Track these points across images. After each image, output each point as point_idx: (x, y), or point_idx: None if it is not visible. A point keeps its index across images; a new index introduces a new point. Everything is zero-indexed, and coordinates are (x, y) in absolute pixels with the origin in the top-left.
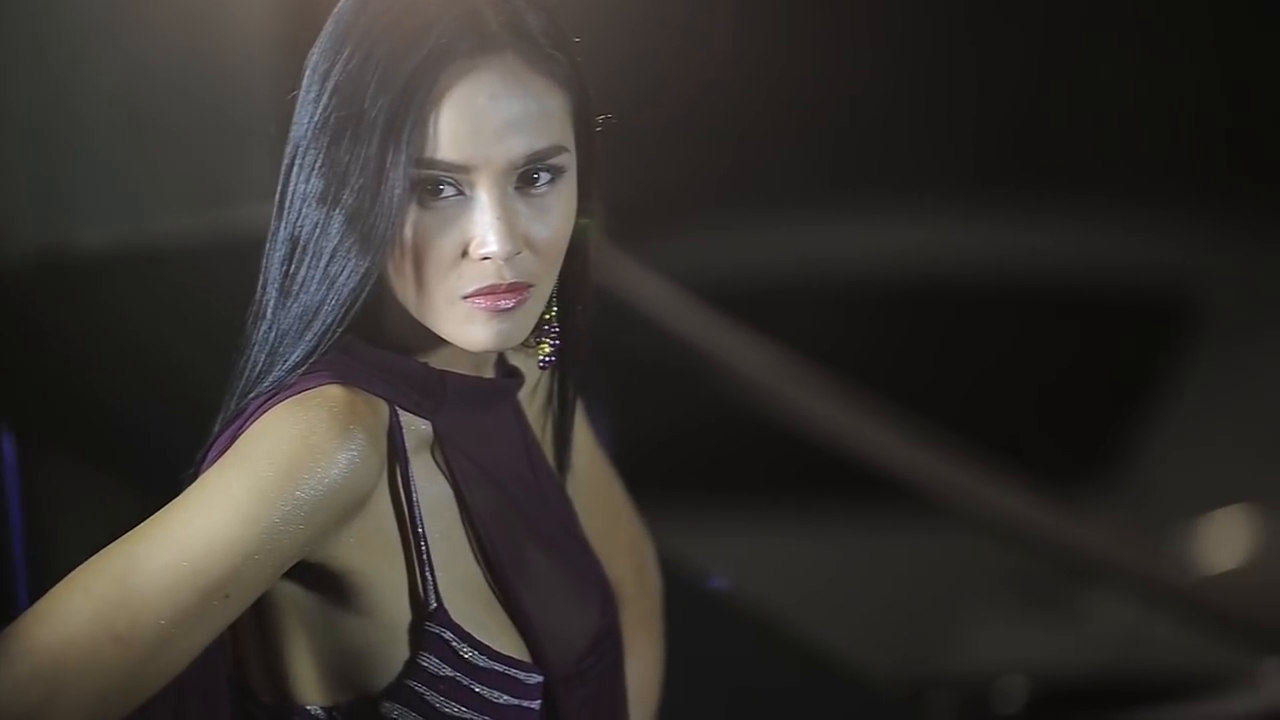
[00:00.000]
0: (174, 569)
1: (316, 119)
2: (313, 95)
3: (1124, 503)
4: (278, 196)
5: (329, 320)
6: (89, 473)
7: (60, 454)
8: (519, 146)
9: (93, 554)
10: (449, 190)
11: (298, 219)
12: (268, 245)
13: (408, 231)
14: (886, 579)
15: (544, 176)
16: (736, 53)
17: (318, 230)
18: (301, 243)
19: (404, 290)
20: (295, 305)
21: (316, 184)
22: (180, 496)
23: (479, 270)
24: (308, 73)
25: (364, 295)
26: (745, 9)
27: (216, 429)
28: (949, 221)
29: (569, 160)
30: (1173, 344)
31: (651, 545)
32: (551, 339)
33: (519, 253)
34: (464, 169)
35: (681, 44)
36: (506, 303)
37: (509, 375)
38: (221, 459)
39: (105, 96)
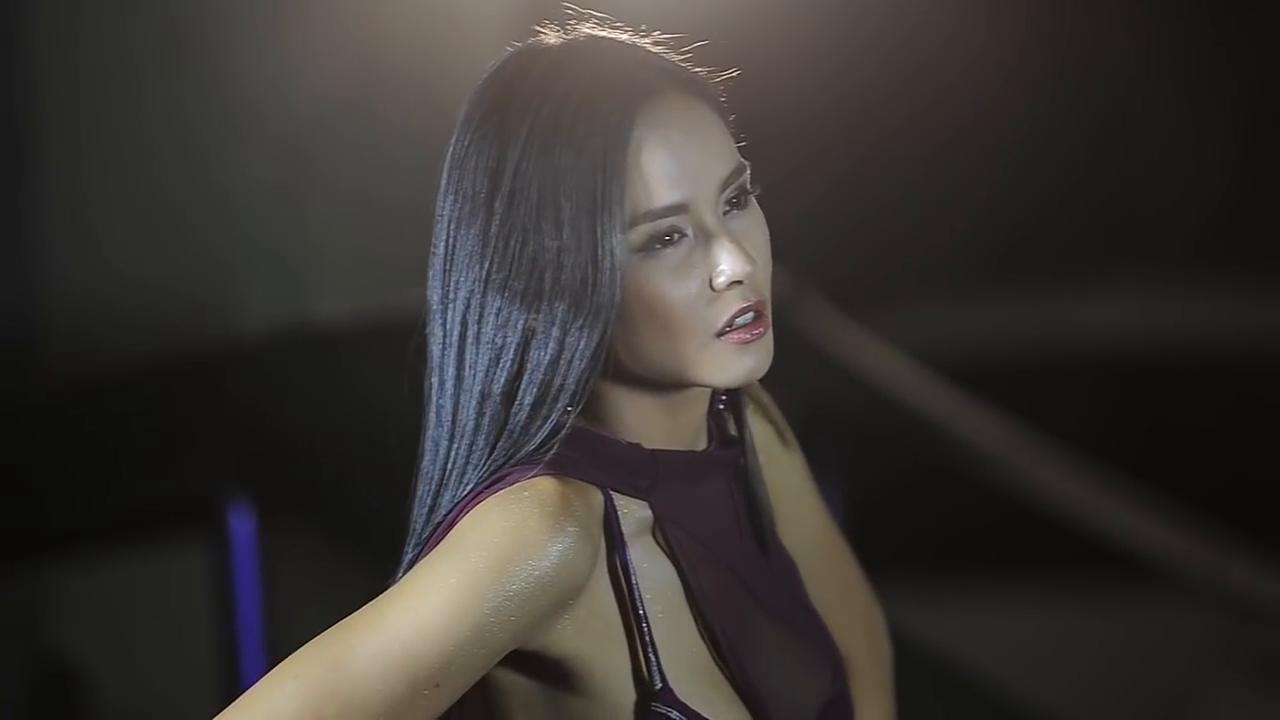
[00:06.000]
0: (385, 657)
1: (492, 210)
2: (478, 186)
3: None
4: (440, 291)
5: (562, 405)
6: (326, 548)
7: (297, 530)
8: (720, 170)
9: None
10: (671, 235)
11: (488, 308)
12: (443, 341)
13: (639, 290)
14: (1123, 655)
15: (739, 197)
16: (969, 122)
17: (522, 318)
18: (505, 333)
19: (642, 350)
20: (518, 395)
21: (512, 273)
22: (395, 585)
23: (725, 300)
24: (460, 162)
25: (595, 373)
26: (986, 68)
27: (422, 519)
28: (1191, 290)
29: (747, 178)
30: None
31: (881, 614)
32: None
33: (751, 270)
34: (682, 207)
35: (909, 115)
36: (759, 330)
37: (726, 445)
38: (436, 549)
39: (341, 176)
